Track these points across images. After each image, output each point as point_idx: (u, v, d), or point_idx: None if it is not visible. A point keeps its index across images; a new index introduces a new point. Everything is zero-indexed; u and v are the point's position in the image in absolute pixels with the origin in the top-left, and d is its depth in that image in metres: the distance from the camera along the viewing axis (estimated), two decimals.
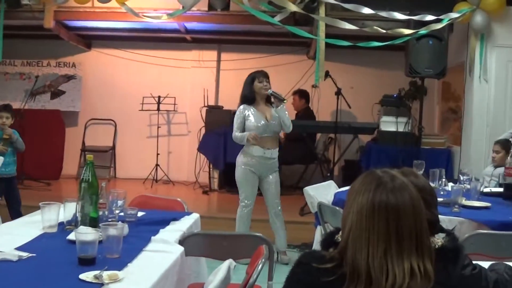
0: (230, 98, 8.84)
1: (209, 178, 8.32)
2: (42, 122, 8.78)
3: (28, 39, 9.09)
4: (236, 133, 5.08)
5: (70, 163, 9.01)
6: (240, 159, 5.18)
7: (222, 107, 8.47)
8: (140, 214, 3.20)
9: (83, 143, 9.16)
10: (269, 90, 5.07)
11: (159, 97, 8.79)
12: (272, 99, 5.13)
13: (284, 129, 5.16)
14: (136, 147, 9.24)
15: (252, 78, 5.13)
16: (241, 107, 5.14)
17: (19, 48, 9.04)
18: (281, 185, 8.06)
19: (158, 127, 8.89)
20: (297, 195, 7.64)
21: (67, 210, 2.88)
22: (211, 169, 8.32)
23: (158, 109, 8.82)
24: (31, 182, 7.96)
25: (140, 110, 8.75)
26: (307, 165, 8.38)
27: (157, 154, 8.76)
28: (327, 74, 6.94)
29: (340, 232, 1.73)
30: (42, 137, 8.69)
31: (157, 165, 8.74)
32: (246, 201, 5.21)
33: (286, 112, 5.12)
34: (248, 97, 5.12)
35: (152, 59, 9.12)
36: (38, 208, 2.86)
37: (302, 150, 7.86)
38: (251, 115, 5.09)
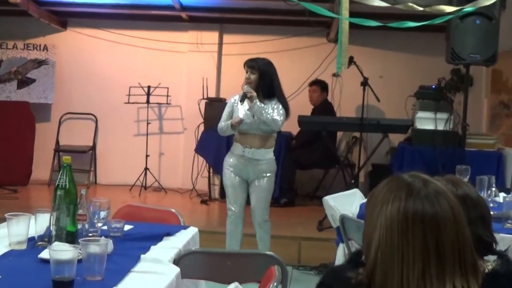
0: (233, 89, 8.76)
1: (209, 185, 8.34)
2: (6, 117, 8.80)
3: None
4: (221, 123, 5.29)
5: (41, 166, 9.04)
6: (225, 159, 5.37)
7: (224, 99, 8.42)
8: (127, 227, 3.20)
9: (57, 142, 9.19)
10: (244, 87, 5.14)
11: (149, 87, 8.80)
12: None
13: (271, 128, 5.18)
14: (121, 147, 9.27)
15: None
16: (236, 95, 5.30)
17: None
18: (295, 194, 8.18)
19: (147, 123, 8.91)
20: (314, 206, 7.66)
21: (39, 223, 2.87)
22: (211, 174, 8.34)
23: (148, 102, 8.83)
24: None
25: (126, 103, 8.77)
26: (326, 170, 8.38)
27: (147, 155, 8.78)
28: (351, 61, 6.93)
29: None
30: (7, 134, 8.73)
31: (146, 169, 8.76)
32: (230, 207, 5.33)
33: (266, 112, 5.08)
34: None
35: (141, 41, 9.14)
36: (3, 220, 2.86)
37: (320, 152, 7.86)
38: (240, 107, 5.22)
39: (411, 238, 1.60)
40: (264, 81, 5.19)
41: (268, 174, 5.27)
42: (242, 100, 5.15)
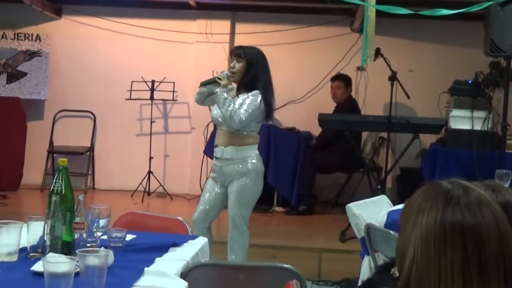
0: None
1: None
2: None
3: None
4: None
5: (33, 169, 9.07)
6: None
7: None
8: (129, 237, 3.20)
9: (51, 142, 9.23)
10: (220, 73, 5.11)
11: (153, 81, 8.82)
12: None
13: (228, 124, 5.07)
14: (122, 148, 9.30)
15: None
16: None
17: None
18: (315, 200, 8.16)
19: (151, 122, 8.91)
20: (336, 214, 7.66)
21: (31, 232, 2.87)
22: None
23: (152, 98, 8.85)
24: None
25: (127, 99, 8.79)
26: (350, 174, 8.38)
27: (150, 157, 8.79)
28: (378, 53, 6.93)
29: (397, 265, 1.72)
30: None
31: (149, 172, 8.77)
32: (197, 209, 5.31)
33: (229, 103, 4.97)
34: None
35: (144, 31, 9.16)
36: None
37: (343, 154, 7.86)
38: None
39: (449, 251, 1.59)
40: (250, 73, 5.12)
41: (243, 175, 5.12)
42: (204, 84, 5.12)
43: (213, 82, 5.10)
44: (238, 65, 5.11)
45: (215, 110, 5.18)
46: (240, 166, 5.11)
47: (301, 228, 7.24)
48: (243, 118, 4.95)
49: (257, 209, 7.82)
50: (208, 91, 5.23)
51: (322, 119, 7.41)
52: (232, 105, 4.96)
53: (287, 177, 7.86)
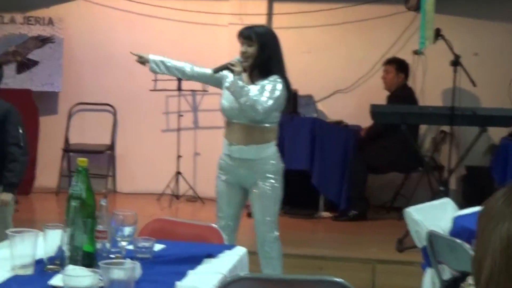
0: (289, 72, 8.82)
1: None
2: None
3: None
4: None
5: (47, 170, 9.17)
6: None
7: None
8: (157, 247, 3.22)
9: (66, 139, 9.31)
10: (233, 59, 5.04)
11: None
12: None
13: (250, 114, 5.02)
14: (146, 146, 9.34)
15: None
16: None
17: None
18: (367, 204, 8.14)
19: (179, 116, 8.96)
20: (391, 219, 7.64)
21: (48, 241, 2.90)
22: None
23: (179, 89, 8.90)
24: None
25: (151, 90, 8.83)
26: (407, 174, 8.32)
27: (178, 156, 8.83)
28: (438, 34, 6.87)
29: (469, 280, 1.70)
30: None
31: (178, 173, 8.82)
32: (218, 217, 5.31)
33: (247, 92, 4.91)
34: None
35: (170, 12, 9.19)
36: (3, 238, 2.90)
37: (398, 151, 7.83)
38: (224, 89, 5.17)
39: None
40: (263, 56, 5.10)
41: (269, 176, 5.14)
42: (216, 70, 5.08)
43: (225, 69, 5.06)
44: (250, 49, 5.07)
45: (225, 101, 5.14)
46: (264, 167, 5.12)
47: (352, 236, 7.23)
48: (267, 106, 4.92)
49: (301, 215, 7.84)
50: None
51: (375, 111, 7.36)
52: (251, 93, 4.92)
53: (335, 178, 7.85)
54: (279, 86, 5.01)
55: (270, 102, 4.94)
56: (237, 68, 4.94)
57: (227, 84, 5.02)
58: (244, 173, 5.15)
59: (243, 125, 5.07)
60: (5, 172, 5.31)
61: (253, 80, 5.11)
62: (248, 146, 5.09)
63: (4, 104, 5.47)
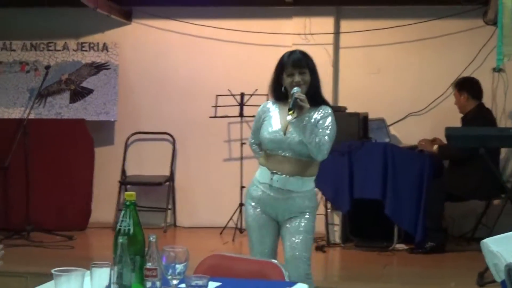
0: (355, 93, 8.77)
1: (326, 225, 8.32)
2: (57, 139, 9.02)
3: (31, 7, 9.40)
4: (251, 141, 5.48)
5: (104, 203, 9.26)
6: (248, 188, 5.39)
7: (345, 108, 8.42)
8: (212, 285, 3.19)
9: (123, 171, 9.41)
10: (294, 90, 4.97)
11: (242, 94, 8.89)
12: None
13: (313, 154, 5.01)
14: (208, 176, 9.38)
15: (281, 66, 5.13)
16: (267, 102, 5.29)
17: (19, 22, 9.41)
18: (445, 235, 8.03)
19: (241, 144, 8.95)
20: (472, 251, 7.52)
21: (95, 281, 2.90)
22: (328, 211, 8.32)
23: (241, 115, 8.92)
24: (43, 236, 8.19)
25: (212, 117, 8.87)
26: (488, 202, 8.19)
27: (242, 187, 8.81)
28: None
29: None
30: (59, 163, 8.96)
31: (241, 205, 8.78)
32: (253, 256, 5.21)
33: (313, 130, 4.93)
34: (275, 89, 5.20)
35: (229, 34, 9.25)
36: (50, 277, 2.88)
37: (478, 177, 7.73)
38: (271, 116, 5.14)
39: None
40: (316, 83, 5.10)
41: (307, 211, 5.12)
42: (292, 109, 4.89)
43: (296, 105, 4.89)
44: (306, 78, 5.03)
45: (271, 131, 5.08)
46: (305, 202, 5.10)
47: (429, 270, 7.17)
48: (329, 147, 4.96)
49: (373, 247, 7.77)
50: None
51: (451, 134, 7.28)
52: (315, 133, 4.94)
53: (410, 207, 7.78)
54: (333, 119, 5.04)
55: (331, 140, 4.98)
56: (307, 105, 4.89)
57: (289, 117, 4.88)
58: (281, 205, 5.11)
59: (294, 158, 5.05)
60: None
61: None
62: (293, 177, 5.06)
63: None
